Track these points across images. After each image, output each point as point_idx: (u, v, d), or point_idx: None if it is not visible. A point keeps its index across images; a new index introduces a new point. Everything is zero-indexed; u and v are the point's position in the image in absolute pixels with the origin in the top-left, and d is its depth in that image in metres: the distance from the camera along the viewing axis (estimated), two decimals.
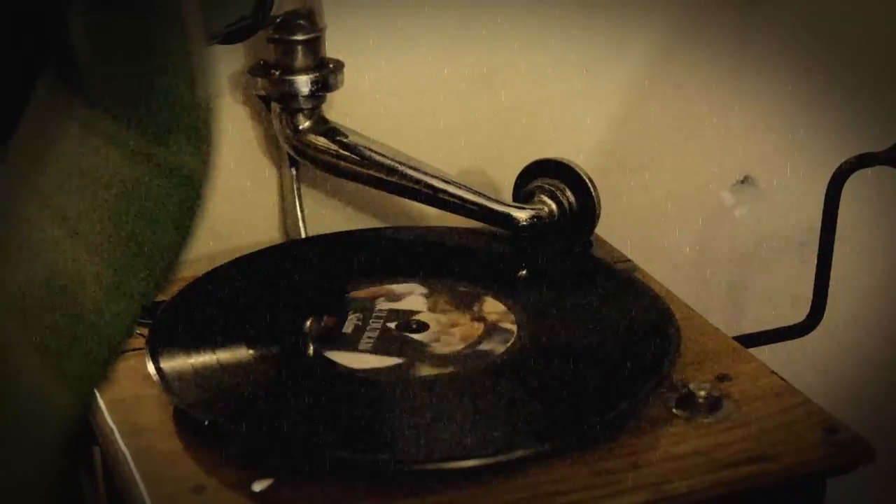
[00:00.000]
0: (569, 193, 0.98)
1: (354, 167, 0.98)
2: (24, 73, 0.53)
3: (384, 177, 0.98)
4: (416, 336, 0.85)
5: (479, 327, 0.85)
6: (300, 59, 0.96)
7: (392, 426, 0.76)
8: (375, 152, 0.98)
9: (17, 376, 0.50)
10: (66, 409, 0.50)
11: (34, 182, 0.51)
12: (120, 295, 0.50)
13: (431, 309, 0.88)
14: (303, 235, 1.02)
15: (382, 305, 0.88)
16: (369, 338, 0.84)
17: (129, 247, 0.50)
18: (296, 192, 1.02)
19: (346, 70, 0.98)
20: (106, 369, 0.50)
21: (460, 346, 0.83)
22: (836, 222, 0.97)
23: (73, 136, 0.50)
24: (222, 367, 0.81)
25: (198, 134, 0.48)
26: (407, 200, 1.02)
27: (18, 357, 0.50)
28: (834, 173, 0.96)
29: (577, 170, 0.98)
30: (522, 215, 0.97)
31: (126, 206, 0.50)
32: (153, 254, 0.50)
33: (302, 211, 1.02)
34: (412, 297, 0.89)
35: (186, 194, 0.49)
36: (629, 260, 0.98)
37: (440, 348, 0.83)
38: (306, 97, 0.97)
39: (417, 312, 0.87)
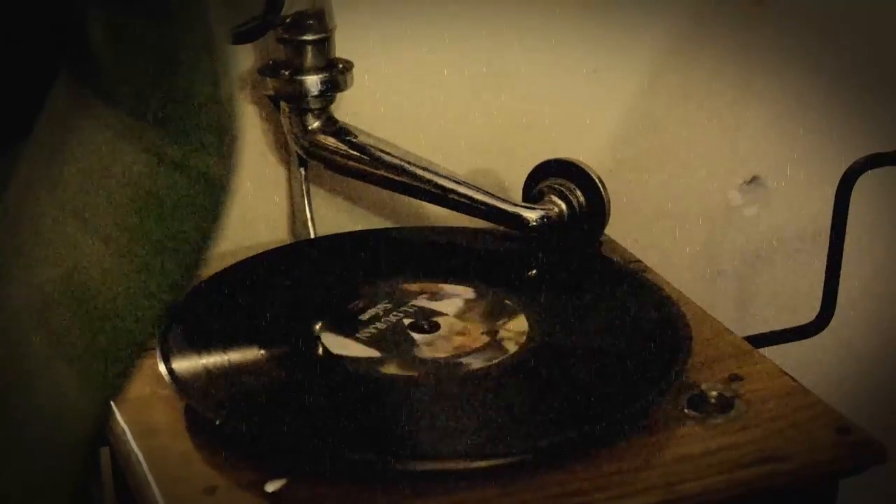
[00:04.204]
0: (579, 194, 0.98)
1: (364, 167, 0.98)
2: (41, 72, 0.53)
3: (393, 177, 0.98)
4: (416, 335, 0.85)
5: (480, 340, 0.85)
6: (310, 59, 0.96)
7: (404, 427, 0.76)
8: (385, 152, 0.98)
9: (38, 377, 0.50)
10: (87, 410, 0.50)
11: (53, 181, 0.51)
12: (142, 295, 0.49)
13: (460, 314, 0.87)
14: (311, 236, 1.02)
15: (418, 301, 0.88)
16: (375, 328, 0.85)
17: (150, 247, 0.50)
18: (304, 192, 1.02)
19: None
20: (127, 370, 0.50)
21: (444, 354, 0.83)
22: (846, 222, 0.97)
23: (92, 136, 0.50)
24: (233, 367, 0.81)
25: (220, 134, 0.48)
26: (416, 200, 1.02)
27: (38, 358, 0.50)
28: (844, 173, 0.96)
29: (588, 170, 0.98)
30: (532, 216, 0.97)
31: (148, 207, 0.50)
32: (175, 254, 0.49)
33: (311, 211, 1.02)
34: (453, 300, 0.89)
35: (209, 195, 0.49)
36: (639, 260, 0.98)
37: (425, 352, 0.83)
38: (316, 97, 0.97)
39: (442, 315, 0.87)
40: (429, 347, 0.84)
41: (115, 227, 0.50)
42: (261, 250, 0.97)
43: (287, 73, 0.96)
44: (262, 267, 0.94)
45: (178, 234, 0.49)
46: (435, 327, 0.86)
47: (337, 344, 0.83)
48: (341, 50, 0.98)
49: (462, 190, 0.98)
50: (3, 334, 0.51)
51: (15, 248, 0.51)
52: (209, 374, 0.80)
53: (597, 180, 0.97)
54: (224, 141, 0.49)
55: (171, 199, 0.49)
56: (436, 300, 0.89)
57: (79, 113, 0.51)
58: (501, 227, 0.98)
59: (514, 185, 1.04)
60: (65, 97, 0.52)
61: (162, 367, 0.80)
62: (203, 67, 0.49)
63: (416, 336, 0.85)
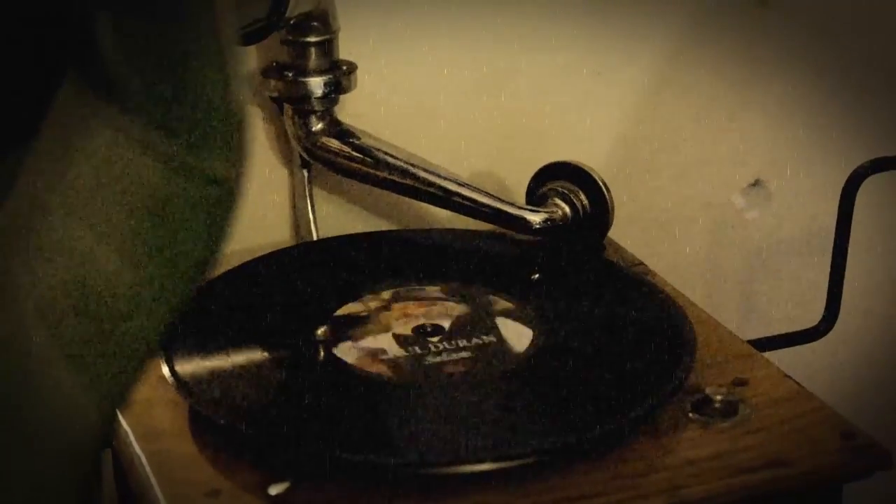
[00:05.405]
0: (582, 196, 0.98)
1: (367, 169, 0.98)
2: (48, 73, 0.52)
3: (397, 179, 0.98)
4: (418, 338, 0.85)
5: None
6: (313, 60, 0.96)
7: (408, 429, 0.76)
8: (388, 154, 0.98)
9: (45, 382, 0.50)
10: (94, 416, 0.50)
11: (59, 184, 0.51)
12: (150, 300, 0.49)
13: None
14: (314, 237, 1.02)
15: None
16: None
17: (159, 251, 0.49)
18: (307, 194, 1.02)
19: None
20: (135, 376, 0.49)
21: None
22: (850, 226, 0.97)
23: (99, 139, 0.50)
24: (237, 370, 0.81)
25: (230, 140, 0.48)
26: (419, 203, 1.02)
27: (46, 363, 0.50)
28: (849, 177, 0.96)
29: (591, 173, 0.98)
30: (536, 218, 0.97)
31: (156, 211, 0.49)
32: (184, 260, 0.49)
33: (313, 213, 1.02)
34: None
35: (218, 200, 0.49)
36: (642, 263, 0.98)
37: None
38: (319, 99, 0.97)
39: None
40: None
41: (123, 230, 0.49)
42: (263, 252, 0.97)
43: (290, 74, 0.96)
44: (264, 269, 0.94)
45: (186, 238, 0.49)
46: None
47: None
48: (342, 51, 0.98)
49: (465, 192, 0.97)
50: (10, 339, 0.50)
51: (21, 251, 0.51)
52: (212, 376, 0.80)
53: (600, 183, 0.97)
54: (233, 144, 0.48)
55: (180, 203, 0.49)
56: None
57: (86, 115, 0.51)
58: (505, 230, 0.98)
59: (517, 187, 1.03)
60: (72, 99, 0.51)
61: (165, 369, 0.80)
62: (212, 71, 0.49)
63: (449, 336, 0.85)
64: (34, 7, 0.54)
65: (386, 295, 0.90)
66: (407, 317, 0.87)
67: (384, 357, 0.83)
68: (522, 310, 0.88)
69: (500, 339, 0.84)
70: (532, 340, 0.84)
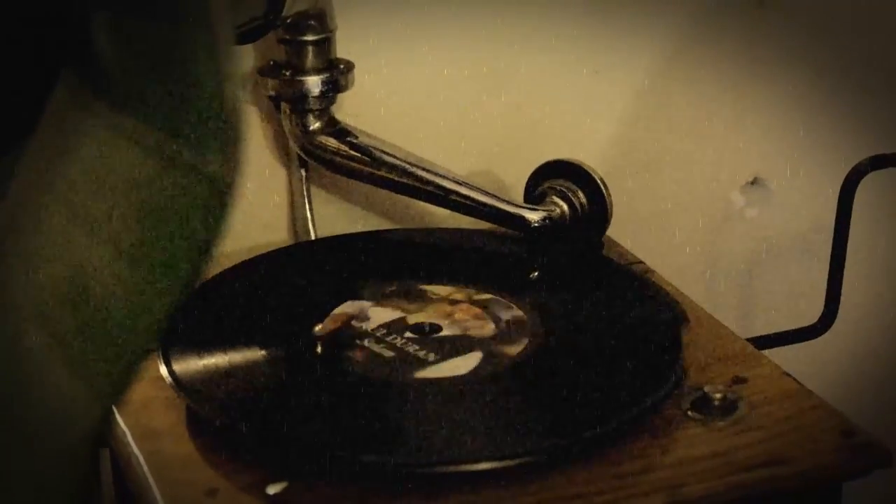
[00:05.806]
0: (581, 195, 0.97)
1: (364, 168, 0.98)
2: (44, 72, 0.52)
3: (395, 178, 0.98)
4: (418, 337, 0.85)
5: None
6: (311, 59, 0.96)
7: (407, 428, 0.76)
8: (386, 153, 0.98)
9: (40, 380, 0.50)
10: (90, 413, 0.50)
11: (55, 182, 0.51)
12: (145, 298, 0.49)
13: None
14: (312, 237, 1.02)
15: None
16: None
17: (154, 249, 0.49)
18: (305, 193, 1.02)
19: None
20: (131, 373, 0.49)
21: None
22: (849, 224, 0.96)
23: (96, 137, 0.50)
24: (234, 369, 0.81)
25: (225, 136, 0.48)
26: (417, 202, 1.01)
27: (41, 361, 0.50)
28: (848, 175, 0.96)
29: (590, 171, 0.97)
30: (534, 216, 0.97)
31: (152, 209, 0.49)
32: (180, 259, 0.49)
33: (311, 212, 1.02)
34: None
35: (213, 197, 0.48)
36: (641, 261, 0.98)
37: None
38: (317, 98, 0.96)
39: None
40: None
41: (119, 228, 0.49)
42: (261, 251, 0.97)
43: (288, 73, 0.96)
44: (262, 268, 0.94)
45: (182, 236, 0.49)
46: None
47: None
48: (341, 50, 0.98)
49: (463, 191, 0.97)
50: (7, 339, 0.50)
51: (17, 250, 0.51)
52: (209, 376, 0.80)
53: (599, 181, 0.97)
54: (229, 142, 0.48)
55: (176, 200, 0.49)
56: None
57: (82, 113, 0.51)
58: (503, 229, 0.98)
59: (516, 185, 1.03)
60: (68, 98, 0.51)
61: (162, 369, 0.80)
62: (209, 69, 0.48)
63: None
64: (32, 7, 0.54)
65: (480, 296, 0.89)
66: (447, 316, 0.87)
67: (342, 321, 0.85)
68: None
69: (432, 364, 0.82)
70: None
